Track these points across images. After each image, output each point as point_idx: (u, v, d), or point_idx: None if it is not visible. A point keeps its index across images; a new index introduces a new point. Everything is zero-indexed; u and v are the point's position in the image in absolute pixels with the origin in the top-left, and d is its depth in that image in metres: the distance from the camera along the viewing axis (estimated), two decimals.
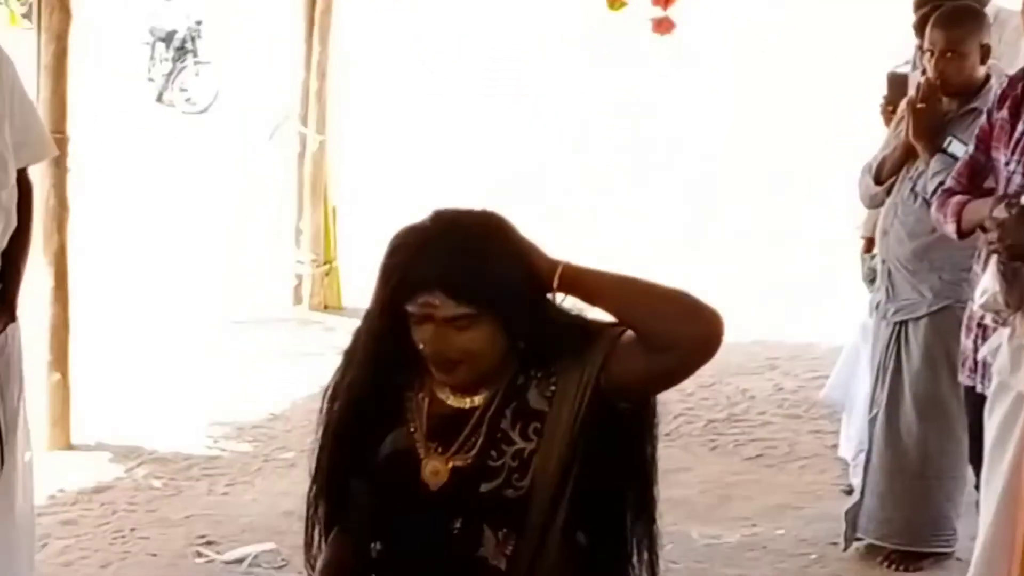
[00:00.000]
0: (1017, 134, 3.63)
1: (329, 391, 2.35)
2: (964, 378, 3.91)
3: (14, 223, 3.55)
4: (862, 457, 4.66)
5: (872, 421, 4.57)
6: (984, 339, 3.72)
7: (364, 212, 8.48)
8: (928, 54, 4.38)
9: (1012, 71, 4.11)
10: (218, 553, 4.66)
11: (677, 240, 9.12)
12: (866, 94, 6.09)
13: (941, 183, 4.01)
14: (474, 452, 2.23)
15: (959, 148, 4.13)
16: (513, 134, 12.71)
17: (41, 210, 5.17)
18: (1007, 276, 3.45)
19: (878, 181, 4.58)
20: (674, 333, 2.16)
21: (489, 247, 2.21)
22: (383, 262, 2.25)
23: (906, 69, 5.16)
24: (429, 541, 2.24)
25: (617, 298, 2.22)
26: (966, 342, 3.87)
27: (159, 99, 15.31)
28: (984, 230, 3.57)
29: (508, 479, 2.21)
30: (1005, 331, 3.53)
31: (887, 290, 4.54)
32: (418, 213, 2.28)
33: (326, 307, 7.49)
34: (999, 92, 3.76)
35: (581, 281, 2.23)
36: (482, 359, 2.22)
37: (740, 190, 10.70)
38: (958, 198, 3.76)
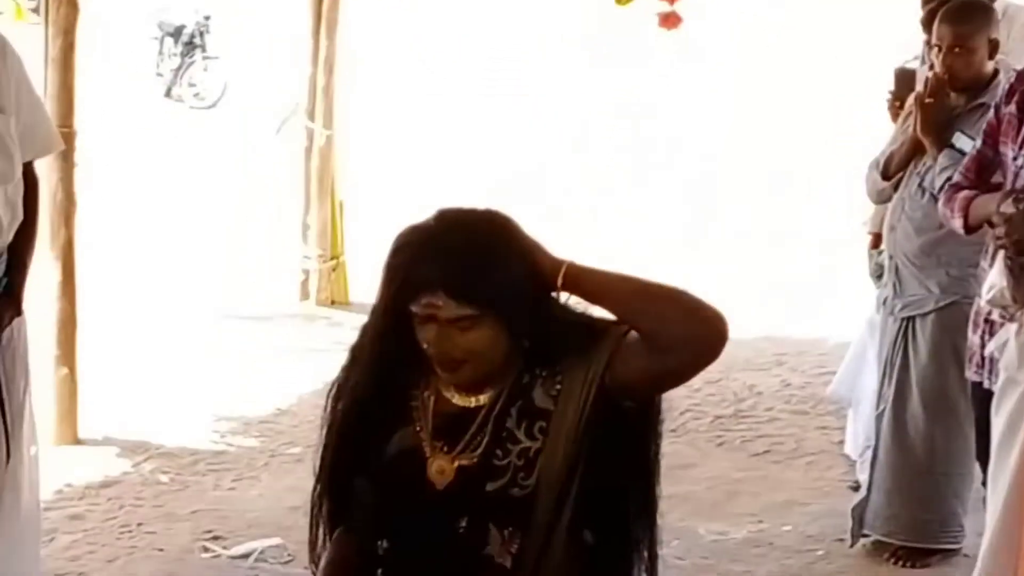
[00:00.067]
0: None
1: (333, 390, 2.34)
2: (971, 374, 3.90)
3: (20, 217, 3.55)
4: (869, 453, 4.65)
5: (879, 417, 4.56)
6: (991, 335, 3.71)
7: (371, 207, 8.48)
8: (936, 49, 4.36)
9: (1020, 66, 4.10)
10: (224, 548, 4.66)
11: (679, 239, 9.12)
12: (868, 92, 6.10)
13: (949, 178, 4.00)
14: (480, 451, 2.23)
15: (967, 143, 4.12)
16: (514, 133, 12.70)
17: (48, 204, 5.19)
18: (1014, 271, 3.44)
19: (885, 176, 4.57)
20: (677, 334, 2.16)
21: (492, 247, 2.20)
22: (387, 262, 2.25)
23: (915, 64, 5.15)
24: (435, 540, 2.24)
25: (620, 298, 2.21)
26: (973, 338, 3.86)
27: (167, 94, 15.32)
28: (991, 225, 3.56)
29: (514, 478, 2.21)
30: (1012, 326, 3.52)
31: (894, 286, 4.53)
32: (424, 209, 2.28)
33: (333, 302, 7.48)
34: (1007, 87, 3.75)
35: (585, 281, 2.22)
36: (486, 359, 2.22)
37: (742, 188, 10.69)
38: (965, 193, 3.75)
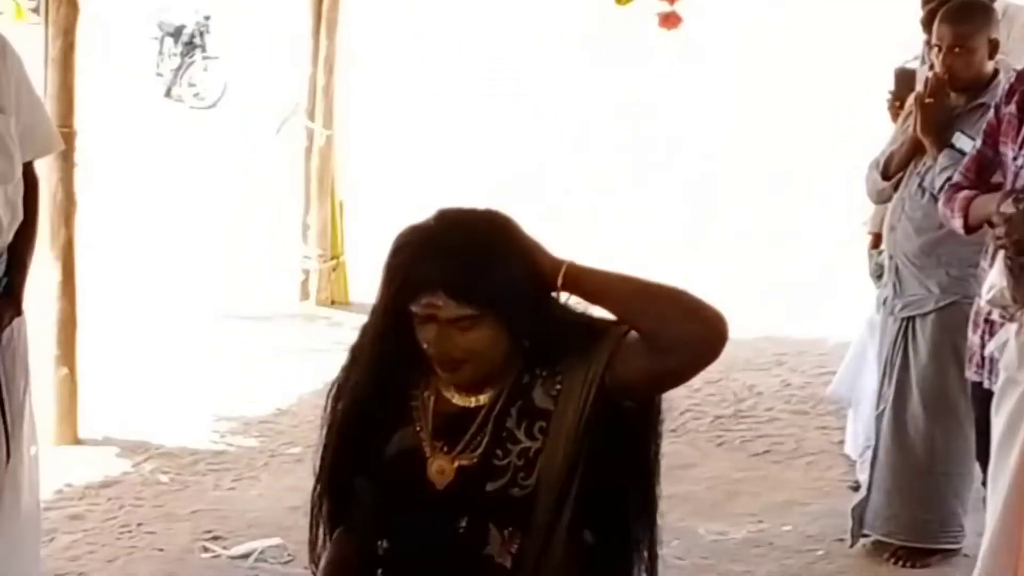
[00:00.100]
0: None
1: (333, 390, 2.34)
2: (971, 374, 3.90)
3: (20, 217, 3.55)
4: (869, 453, 4.65)
5: (879, 417, 4.56)
6: (991, 335, 3.71)
7: (371, 207, 8.48)
8: (936, 49, 4.36)
9: (1020, 66, 4.10)
10: (224, 548, 4.66)
11: (679, 239, 9.12)
12: (867, 93, 6.09)
13: (949, 178, 4.00)
14: (480, 451, 2.23)
15: (967, 143, 4.12)
16: (514, 133, 12.71)
17: (48, 204, 5.19)
18: (1014, 271, 3.44)
19: (885, 176, 4.57)
20: (677, 334, 2.15)
21: (492, 247, 2.20)
22: (386, 262, 2.25)
23: (915, 64, 5.15)
24: (435, 540, 2.24)
25: (620, 298, 2.21)
26: (973, 338, 3.86)
27: (167, 94, 15.32)
28: (991, 225, 3.56)
29: (514, 478, 2.21)
30: (1012, 326, 3.52)
31: (894, 286, 4.53)
32: (424, 209, 2.28)
33: (333, 302, 7.48)
34: (1007, 87, 3.75)
35: (584, 281, 2.22)
36: (486, 359, 2.22)
37: (743, 188, 10.70)
38: (965, 193, 3.75)
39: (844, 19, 15.88)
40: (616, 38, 14.71)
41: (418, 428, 2.28)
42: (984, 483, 3.84)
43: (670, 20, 6.28)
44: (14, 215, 3.53)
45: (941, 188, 4.07)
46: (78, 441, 5.49)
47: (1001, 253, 3.49)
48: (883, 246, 4.71)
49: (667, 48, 11.74)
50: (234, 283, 7.85)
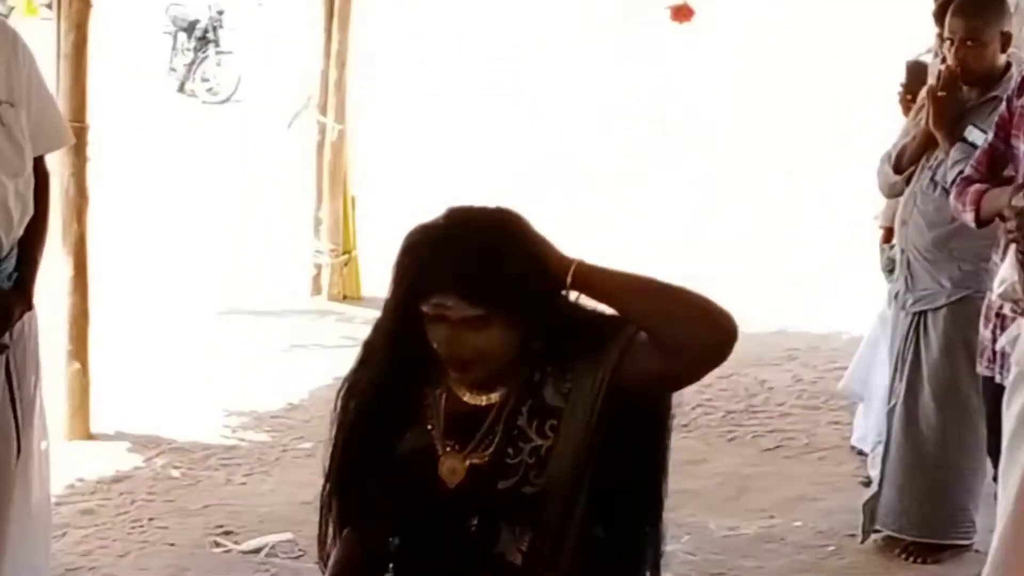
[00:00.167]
0: None
1: (344, 389, 2.34)
2: (982, 368, 3.89)
3: (31, 211, 3.55)
4: (880, 448, 4.63)
5: (890, 412, 4.55)
6: (1003, 329, 3.70)
7: (383, 202, 8.48)
8: (948, 42, 4.34)
9: None
10: (236, 543, 4.67)
11: (690, 234, 9.10)
12: (879, 84, 6.06)
13: (960, 172, 3.99)
14: (491, 450, 2.23)
15: (979, 136, 4.10)
16: (525, 128, 12.71)
17: (60, 199, 5.20)
18: None
19: (897, 170, 4.55)
20: (685, 335, 2.15)
21: (502, 247, 2.19)
22: (396, 261, 2.25)
23: (927, 58, 5.13)
24: (446, 539, 2.25)
25: (629, 298, 2.20)
26: (985, 332, 3.85)
27: (181, 89, 15.35)
28: (1003, 219, 3.54)
29: (525, 476, 2.21)
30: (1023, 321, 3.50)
31: (906, 280, 4.51)
32: (436, 204, 2.28)
33: (345, 297, 7.49)
34: (1019, 80, 3.74)
35: (594, 280, 2.21)
36: (496, 358, 2.22)
37: (753, 182, 10.68)
38: (977, 186, 3.74)
39: (852, 14, 15.86)
40: (626, 33, 14.71)
41: (430, 427, 2.28)
42: (995, 478, 3.82)
43: (682, 14, 6.27)
44: (25, 209, 3.53)
45: (953, 182, 4.05)
46: (90, 436, 5.50)
47: (1013, 247, 3.48)
48: (895, 240, 4.69)
49: (678, 42, 11.74)
50: (246, 278, 7.86)
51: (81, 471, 5.16)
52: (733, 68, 15.24)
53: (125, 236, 8.29)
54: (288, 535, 4.66)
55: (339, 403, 2.34)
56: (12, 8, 6.13)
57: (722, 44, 15.63)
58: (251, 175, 10.53)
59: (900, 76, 5.08)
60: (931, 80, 4.51)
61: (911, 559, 4.52)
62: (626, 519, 2.29)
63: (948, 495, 4.47)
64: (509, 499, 2.21)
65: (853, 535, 4.65)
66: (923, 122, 4.41)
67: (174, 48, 15.67)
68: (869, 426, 5.12)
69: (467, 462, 2.24)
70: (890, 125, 5.10)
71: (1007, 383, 3.62)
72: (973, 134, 4.20)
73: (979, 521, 4.45)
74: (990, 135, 3.83)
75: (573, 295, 2.24)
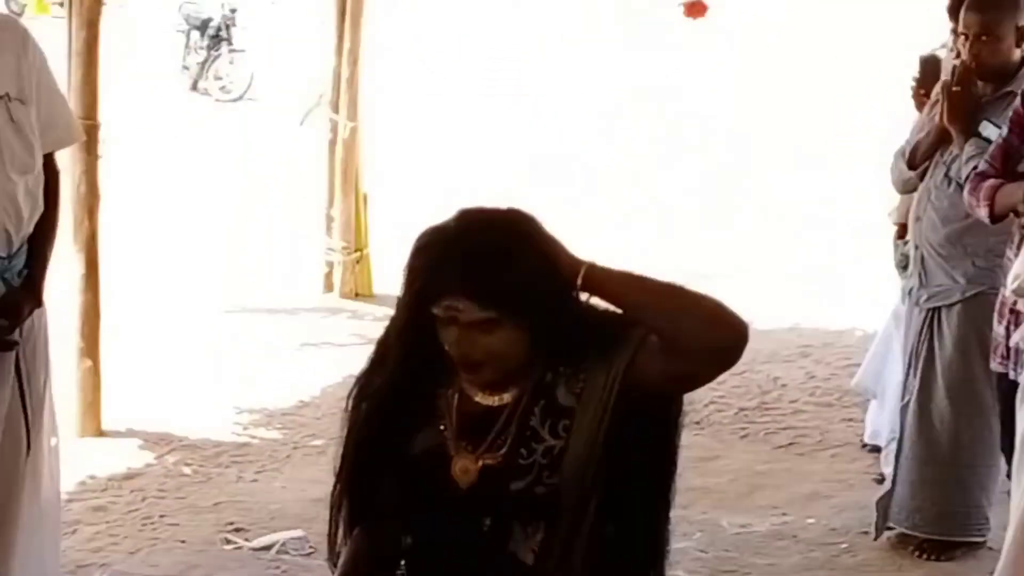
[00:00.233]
0: None
1: (356, 389, 2.34)
2: (996, 365, 3.87)
3: (40, 208, 3.55)
4: (894, 445, 4.61)
5: (904, 408, 4.53)
6: (1016, 325, 3.68)
7: (396, 200, 8.48)
8: (962, 37, 4.32)
9: None
10: (246, 540, 4.67)
11: (702, 231, 9.09)
12: (895, 78, 6.03)
13: (975, 167, 3.96)
14: (504, 450, 2.22)
15: (993, 132, 4.08)
16: (525, 129, 12.70)
17: (72, 197, 5.20)
18: None
19: (911, 166, 4.53)
20: (696, 338, 2.14)
21: (513, 250, 2.18)
22: (408, 263, 2.24)
23: (941, 53, 5.11)
24: (458, 539, 2.24)
25: (639, 301, 2.19)
26: (998, 328, 3.83)
27: (193, 87, 15.37)
28: (1017, 214, 3.53)
29: (538, 477, 2.20)
30: None
31: (920, 276, 4.49)
32: (449, 202, 2.27)
33: (357, 295, 7.48)
34: None
35: (604, 283, 2.20)
36: (507, 360, 2.22)
37: (767, 179, 10.66)
38: (991, 182, 3.72)
39: (853, 14, 15.85)
40: (625, 34, 14.73)
41: (442, 427, 2.28)
42: (1009, 475, 3.81)
43: (695, 9, 6.25)
44: (35, 206, 3.53)
45: (967, 177, 4.03)
46: (101, 433, 5.50)
47: None
48: (909, 236, 4.67)
49: (690, 37, 11.72)
50: (258, 276, 7.86)
51: (92, 468, 5.17)
52: (734, 67, 15.22)
53: (137, 234, 8.30)
54: (299, 532, 4.66)
55: (350, 403, 2.34)
56: (24, 6, 6.13)
57: (723, 44, 15.61)
58: (263, 173, 10.54)
59: (913, 71, 5.07)
60: (945, 75, 4.49)
61: (924, 556, 4.50)
62: (635, 517, 2.28)
63: (962, 492, 4.45)
64: (521, 499, 2.20)
65: (866, 532, 4.63)
66: (937, 118, 4.39)
67: (187, 46, 15.68)
68: (882, 423, 5.11)
69: (480, 462, 2.23)
70: (892, 122, 5.09)
71: (1021, 379, 3.60)
72: (987, 129, 4.18)
73: (993, 518, 4.43)
74: (1004, 130, 3.81)
75: (584, 296, 2.23)
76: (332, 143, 7.40)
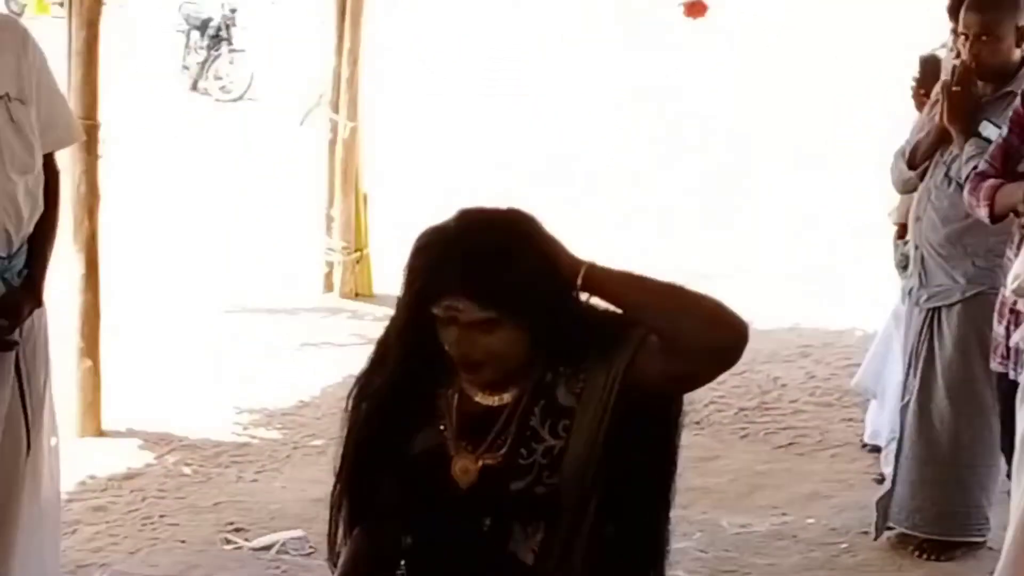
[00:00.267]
0: None
1: (356, 390, 2.34)
2: (996, 365, 3.87)
3: (40, 208, 3.55)
4: (894, 445, 4.62)
5: (904, 408, 4.53)
6: (1016, 325, 3.68)
7: (396, 200, 8.48)
8: (962, 37, 4.32)
9: None
10: (246, 540, 4.67)
11: (702, 232, 9.09)
12: (894, 77, 6.03)
13: (975, 167, 3.97)
14: (504, 450, 2.22)
15: (993, 132, 4.08)
16: (525, 129, 12.71)
17: (72, 197, 5.20)
18: None
19: (911, 166, 4.53)
20: (695, 338, 2.14)
21: (512, 250, 2.18)
22: (407, 263, 2.24)
23: (941, 52, 5.11)
24: (458, 539, 2.24)
25: (639, 301, 2.19)
26: (998, 328, 3.83)
27: (193, 87, 15.37)
28: (1017, 214, 3.53)
29: (538, 477, 2.21)
30: None
31: (920, 276, 4.49)
32: (449, 202, 2.27)
33: (357, 295, 7.49)
34: None
35: (604, 283, 2.20)
36: (507, 360, 2.22)
37: (766, 179, 10.67)
38: (991, 182, 3.72)
39: (854, 14, 15.86)
40: (625, 34, 14.73)
41: (442, 427, 2.28)
42: (1009, 475, 3.81)
43: (695, 9, 6.25)
44: (35, 206, 3.53)
45: (967, 177, 4.03)
46: (101, 433, 5.50)
47: None
48: (908, 236, 4.67)
49: (689, 38, 11.72)
50: (258, 276, 7.87)
51: (92, 468, 5.17)
52: (734, 67, 15.22)
53: (137, 233, 8.30)
54: (299, 532, 4.66)
55: (350, 403, 2.34)
56: (24, 6, 6.13)
57: (723, 44, 15.62)
58: (263, 173, 10.54)
59: (913, 71, 5.07)
60: (945, 75, 4.49)
61: (924, 556, 4.50)
62: (635, 517, 2.28)
63: (962, 492, 4.45)
64: (522, 499, 2.21)
65: (866, 532, 4.63)
66: (937, 118, 4.39)
67: (187, 46, 15.69)
68: (882, 423, 5.11)
69: (480, 462, 2.23)
70: (892, 122, 5.09)
71: (1021, 379, 3.61)
72: (987, 129, 4.18)
73: (993, 518, 4.43)
74: (1004, 130, 3.81)
75: (584, 296, 2.23)
76: (332, 143, 7.40)
